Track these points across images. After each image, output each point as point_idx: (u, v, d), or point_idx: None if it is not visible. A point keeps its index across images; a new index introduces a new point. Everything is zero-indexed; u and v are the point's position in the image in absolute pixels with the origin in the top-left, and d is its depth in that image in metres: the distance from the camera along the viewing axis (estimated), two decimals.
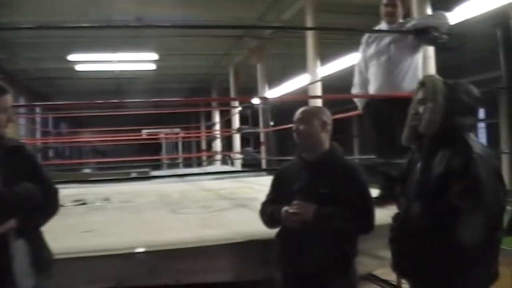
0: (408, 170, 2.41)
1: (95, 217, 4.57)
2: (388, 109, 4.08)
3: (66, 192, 6.31)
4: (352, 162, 2.82)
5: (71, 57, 14.35)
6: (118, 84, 19.12)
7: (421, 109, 2.32)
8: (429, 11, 6.45)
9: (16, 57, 14.47)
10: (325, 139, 2.68)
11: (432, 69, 6.43)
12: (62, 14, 10.52)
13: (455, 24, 8.30)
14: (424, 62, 6.24)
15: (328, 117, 2.71)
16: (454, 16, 8.43)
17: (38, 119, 21.85)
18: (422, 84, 2.38)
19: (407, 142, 2.46)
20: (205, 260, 3.12)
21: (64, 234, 3.22)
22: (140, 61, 15.54)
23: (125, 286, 2.27)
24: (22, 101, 20.66)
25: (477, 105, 2.31)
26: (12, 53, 14.09)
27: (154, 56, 14.74)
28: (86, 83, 18.03)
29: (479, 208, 1.99)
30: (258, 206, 2.89)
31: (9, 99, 2.22)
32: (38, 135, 20.54)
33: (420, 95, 2.36)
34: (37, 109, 22.58)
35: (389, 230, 2.43)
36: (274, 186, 2.86)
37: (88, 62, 15.25)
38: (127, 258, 2.97)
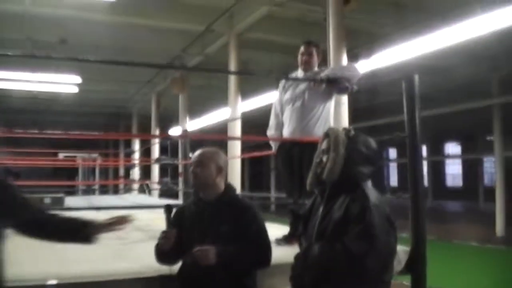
0: (311, 212, 2.61)
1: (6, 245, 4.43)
2: (299, 152, 4.33)
3: None
4: (247, 201, 2.96)
5: None
6: (38, 104, 18.54)
7: (324, 158, 2.54)
8: (344, 60, 6.86)
9: None
10: (220, 182, 2.85)
11: (345, 113, 6.83)
12: None
13: (369, 71, 8.99)
14: (338, 107, 6.64)
15: (223, 161, 2.89)
16: (368, 64, 9.07)
17: None
18: (327, 135, 2.60)
19: (311, 187, 2.66)
20: None
21: None
22: (62, 83, 15.12)
23: None
24: None
25: (374, 156, 2.55)
26: None
27: (77, 79, 14.44)
28: (3, 100, 17.36)
29: (371, 251, 2.21)
30: None
31: None
32: None
33: (324, 145, 2.58)
34: None
35: (290, 268, 2.59)
36: (174, 224, 2.91)
37: (6, 80, 14.68)
38: None
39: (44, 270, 3.31)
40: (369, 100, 14.98)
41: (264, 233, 2.79)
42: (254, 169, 28.70)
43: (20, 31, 10.39)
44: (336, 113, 6.55)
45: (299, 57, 4.69)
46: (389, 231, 2.32)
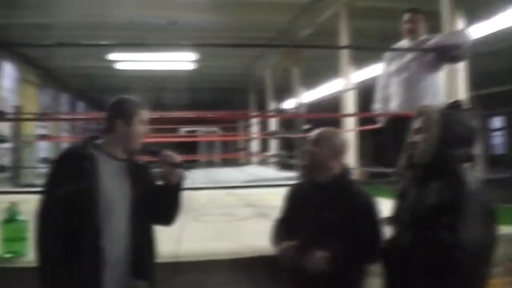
0: (403, 196, 2.44)
1: None
2: (406, 127, 4.09)
3: None
4: (363, 189, 2.69)
5: (111, 56, 14.68)
6: (157, 82, 19.44)
7: (417, 138, 2.35)
8: (460, 25, 6.39)
9: (54, 55, 14.93)
10: (335, 164, 2.64)
11: (462, 81, 6.38)
12: (97, 15, 10.83)
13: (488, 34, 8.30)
14: (454, 74, 6.22)
15: (341, 143, 2.67)
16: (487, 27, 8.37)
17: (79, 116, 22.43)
18: (420, 113, 2.41)
19: (403, 170, 2.48)
20: (214, 273, 3.19)
21: None
22: (179, 61, 15.73)
23: None
24: (64, 97, 21.32)
25: (472, 137, 2.32)
26: (51, 51, 14.54)
27: (193, 56, 14.91)
28: (126, 81, 18.41)
29: (464, 243, 2.02)
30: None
31: (146, 114, 2.45)
32: (78, 131, 21.01)
33: (417, 124, 2.39)
34: (79, 106, 23.25)
35: (382, 253, 2.45)
36: (286, 205, 2.85)
37: (128, 61, 15.57)
38: None
39: None
40: (491, 65, 13.87)
41: (376, 229, 2.55)
42: (379, 140, 27.52)
43: (134, 15, 10.89)
44: (451, 82, 6.19)
45: (404, 25, 4.42)
46: (487, 222, 2.11)
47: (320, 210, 2.55)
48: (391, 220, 2.54)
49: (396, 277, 2.32)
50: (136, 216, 2.35)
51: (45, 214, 2.20)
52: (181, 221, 4.67)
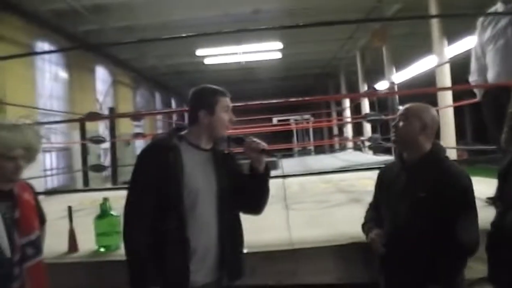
0: (508, 174, 2.21)
1: None
2: (507, 98, 3.76)
3: None
4: (455, 167, 2.50)
5: (199, 52, 15.01)
6: (246, 74, 19.64)
7: None
8: None
9: (145, 56, 15.49)
10: (425, 141, 2.50)
11: None
12: (182, 13, 11.08)
13: None
14: None
15: (431, 118, 2.52)
16: None
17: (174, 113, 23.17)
18: None
19: (507, 144, 2.25)
20: (305, 262, 3.14)
21: None
22: (265, 50, 15.81)
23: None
24: (157, 96, 22.11)
25: None
26: (141, 52, 15.10)
27: (279, 45, 14.91)
28: (215, 75, 18.76)
29: None
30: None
31: (229, 101, 2.43)
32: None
33: None
34: (173, 103, 24.01)
35: (486, 237, 2.24)
36: (376, 188, 2.77)
37: (215, 55, 15.86)
38: None
39: None
40: None
41: (471, 212, 2.35)
42: (478, 117, 25.95)
43: (217, 9, 11.02)
44: None
45: None
46: None
47: (409, 190, 2.44)
48: (495, 200, 2.32)
49: (502, 261, 2.10)
50: (223, 206, 2.32)
51: (132, 206, 2.24)
52: (274, 210, 4.70)
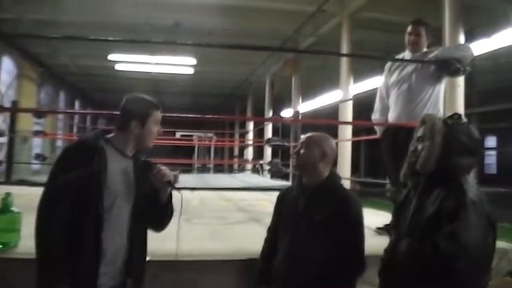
0: (404, 205, 2.41)
1: None
2: (404, 138, 4.06)
3: None
4: (349, 192, 2.77)
5: (111, 57, 14.68)
6: (156, 85, 19.45)
7: (419, 146, 2.33)
8: (461, 40, 6.41)
9: (56, 52, 14.93)
10: (323, 168, 2.70)
11: (460, 97, 6.39)
12: (102, 14, 10.85)
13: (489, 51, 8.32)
14: (453, 90, 6.23)
15: (330, 147, 2.74)
16: (489, 45, 8.40)
17: (76, 115, 22.40)
18: (423, 121, 2.39)
19: (405, 179, 2.46)
20: (205, 273, 3.18)
21: None
22: (179, 64, 15.75)
23: None
24: (62, 95, 21.29)
25: (476, 146, 2.30)
26: (53, 48, 14.55)
27: (193, 61, 14.93)
28: (125, 82, 18.42)
29: (463, 253, 1.99)
30: (269, 222, 2.92)
31: (160, 114, 2.45)
32: (75, 130, 21.01)
33: (420, 132, 2.37)
34: (76, 105, 23.22)
35: (380, 261, 2.43)
36: (275, 210, 2.90)
37: (128, 62, 15.58)
38: None
39: None
40: (490, 83, 13.92)
41: (358, 235, 2.59)
42: (371, 153, 27.56)
43: (138, 16, 10.92)
44: (450, 97, 6.19)
45: (406, 37, 4.42)
46: (487, 231, 2.07)
47: (306, 213, 2.60)
48: (389, 229, 2.53)
49: (393, 285, 2.28)
50: (137, 213, 2.35)
51: (50, 203, 2.18)
52: (174, 222, 4.71)
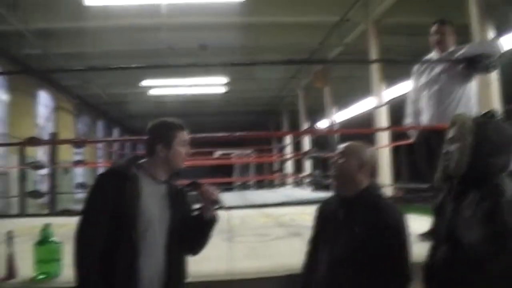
0: (441, 210, 2.34)
1: None
2: (438, 140, 3.97)
3: None
4: (389, 202, 2.62)
5: (144, 83, 14.96)
6: (190, 107, 19.69)
7: (451, 148, 2.27)
8: (491, 35, 6.28)
9: (88, 83, 15.34)
10: (362, 178, 2.60)
11: (495, 94, 6.24)
12: (127, 43, 11.13)
13: None
14: (486, 88, 6.09)
15: (367, 156, 2.64)
16: None
17: (115, 142, 22.79)
18: (453, 122, 2.33)
19: (439, 183, 2.39)
20: None
21: None
22: (211, 85, 15.93)
23: None
24: (99, 124, 21.76)
25: (508, 144, 2.21)
26: (85, 80, 14.96)
27: (224, 80, 15.06)
28: (159, 106, 18.72)
29: (502, 255, 1.92)
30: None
31: (186, 134, 2.47)
32: (114, 157, 21.38)
33: (450, 133, 2.31)
34: (115, 132, 23.67)
35: (422, 268, 2.36)
36: (315, 222, 2.82)
37: (160, 86, 15.85)
38: None
39: None
40: None
41: (404, 246, 2.43)
42: (414, 158, 26.69)
43: (163, 42, 11.13)
44: (484, 95, 6.05)
45: (432, 37, 4.36)
46: None
47: (346, 225, 2.51)
48: (429, 236, 2.45)
49: None
50: (173, 238, 2.35)
51: (85, 231, 2.22)
52: (214, 242, 4.72)
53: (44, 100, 15.77)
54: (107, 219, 2.19)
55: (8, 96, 13.27)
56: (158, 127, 2.44)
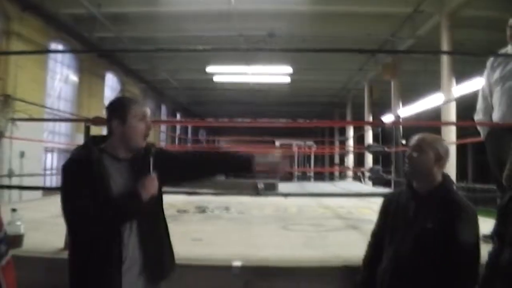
0: (507, 211, 2.23)
1: (206, 226, 4.92)
2: (510, 139, 3.79)
3: (192, 198, 6.76)
4: (464, 200, 2.45)
5: (209, 69, 15.12)
6: (254, 95, 19.77)
7: None
8: None
9: (156, 68, 15.64)
10: (437, 172, 2.48)
11: None
12: (197, 29, 11.25)
13: None
14: None
15: (444, 149, 2.51)
16: None
17: (178, 126, 23.23)
18: None
19: (508, 182, 2.28)
20: (299, 280, 3.15)
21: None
22: (275, 74, 15.91)
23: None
24: (164, 109, 22.23)
25: None
26: (153, 65, 15.26)
27: (289, 69, 14.99)
28: (223, 93, 18.91)
29: None
30: (369, 229, 2.81)
31: (145, 109, 2.38)
32: (176, 142, 21.82)
33: None
34: (177, 117, 24.13)
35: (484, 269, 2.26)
36: (381, 216, 2.72)
37: (225, 73, 15.98)
38: (224, 270, 3.12)
39: (232, 252, 3.49)
40: None
41: (474, 245, 2.31)
42: (480, 158, 25.98)
43: (231, 29, 11.20)
44: None
45: (508, 31, 4.14)
46: None
47: (417, 220, 2.41)
48: (493, 237, 2.34)
49: None
50: (144, 219, 2.28)
51: (80, 210, 2.13)
52: (270, 229, 4.75)
53: (111, 82, 16.27)
54: (87, 206, 2.10)
55: (78, 77, 13.76)
56: (113, 103, 2.38)
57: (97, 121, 4.43)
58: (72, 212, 2.15)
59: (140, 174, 2.26)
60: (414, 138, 2.55)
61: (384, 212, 2.68)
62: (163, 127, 19.59)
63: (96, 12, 10.76)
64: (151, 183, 2.24)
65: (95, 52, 13.90)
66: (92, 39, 12.25)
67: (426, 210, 2.41)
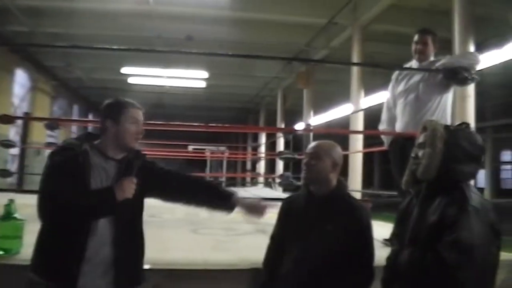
0: (406, 214, 2.36)
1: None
2: (412, 148, 4.00)
3: None
4: (358, 202, 2.72)
5: (124, 70, 14.81)
6: (169, 98, 19.58)
7: (420, 153, 2.28)
8: (471, 50, 6.36)
9: (71, 66, 15.11)
10: (333, 177, 2.63)
11: (471, 108, 6.32)
12: (115, 28, 10.98)
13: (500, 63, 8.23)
14: (463, 101, 6.17)
15: (339, 156, 2.67)
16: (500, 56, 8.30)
17: (90, 127, 22.49)
18: (424, 128, 2.35)
19: (407, 186, 2.41)
20: (207, 283, 3.16)
21: None
22: (191, 78, 15.84)
23: None
24: (76, 109, 21.48)
25: (479, 154, 2.24)
26: (68, 62, 14.72)
27: (205, 74, 14.98)
28: (138, 95, 18.45)
29: (467, 262, 1.93)
30: None
31: (138, 113, 2.50)
32: None
33: (421, 138, 2.32)
34: (90, 118, 23.40)
35: (382, 271, 2.38)
36: (279, 219, 2.81)
37: (140, 75, 15.71)
38: None
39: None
40: (505, 96, 13.76)
41: (370, 244, 2.56)
42: (385, 167, 27.12)
43: (151, 29, 11.05)
44: (460, 108, 6.14)
45: (413, 46, 4.40)
46: (491, 240, 2.01)
47: (318, 223, 2.52)
48: (392, 239, 2.47)
49: None
50: (120, 220, 2.30)
51: (55, 194, 2.18)
52: (180, 233, 4.71)
53: (21, 79, 15.48)
54: (62, 192, 2.16)
55: None
56: (108, 104, 2.47)
57: (4, 119, 4.22)
58: (44, 194, 2.22)
59: (122, 176, 2.34)
60: (311, 146, 2.69)
61: (284, 216, 2.78)
62: (74, 128, 18.88)
63: (10, 4, 10.24)
64: (129, 185, 2.27)
65: (6, 45, 13.20)
66: (4, 33, 11.64)
67: (324, 213, 2.55)
